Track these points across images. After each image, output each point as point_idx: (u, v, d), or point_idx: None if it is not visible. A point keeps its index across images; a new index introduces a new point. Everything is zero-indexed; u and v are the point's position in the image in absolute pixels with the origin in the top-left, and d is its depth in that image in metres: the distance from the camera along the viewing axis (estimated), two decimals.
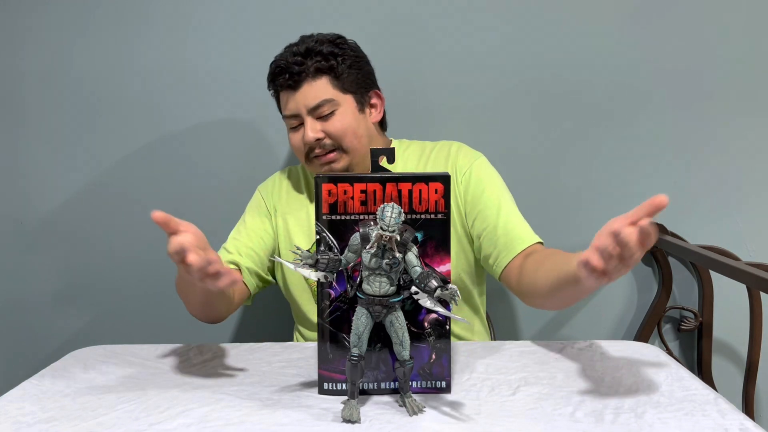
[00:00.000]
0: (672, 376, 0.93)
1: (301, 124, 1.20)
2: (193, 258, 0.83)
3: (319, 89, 1.19)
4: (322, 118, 1.19)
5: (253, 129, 1.56)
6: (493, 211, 1.20)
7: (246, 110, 1.56)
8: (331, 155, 1.20)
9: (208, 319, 1.18)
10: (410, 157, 1.29)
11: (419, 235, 0.83)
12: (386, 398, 0.85)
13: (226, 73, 1.55)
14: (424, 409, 0.81)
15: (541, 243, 1.19)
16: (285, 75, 1.19)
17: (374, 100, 1.27)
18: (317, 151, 1.20)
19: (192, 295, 1.12)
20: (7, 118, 1.57)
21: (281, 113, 1.26)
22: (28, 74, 1.55)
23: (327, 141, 1.19)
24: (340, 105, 1.20)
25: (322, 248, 0.82)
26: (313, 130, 1.18)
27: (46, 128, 1.56)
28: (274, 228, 1.28)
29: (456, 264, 1.22)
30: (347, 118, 1.20)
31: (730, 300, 1.56)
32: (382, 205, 0.78)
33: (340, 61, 1.20)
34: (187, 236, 0.85)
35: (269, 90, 1.26)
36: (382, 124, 1.31)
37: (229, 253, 1.23)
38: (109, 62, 1.54)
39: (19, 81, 1.55)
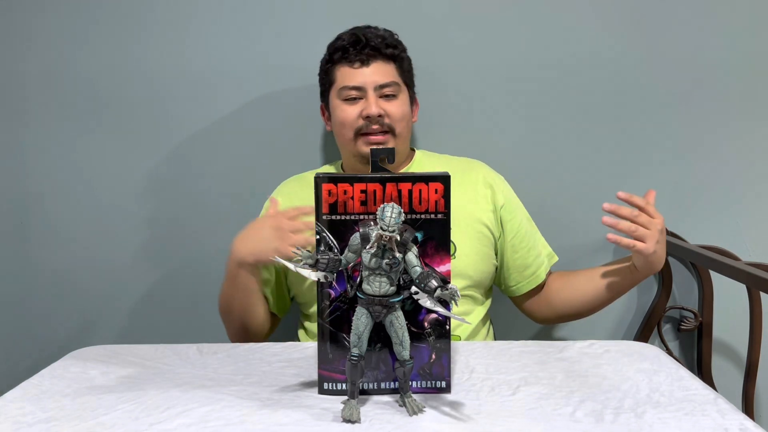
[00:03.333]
0: (672, 376, 0.93)
1: (360, 98, 1.24)
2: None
3: (388, 71, 1.26)
4: (384, 98, 1.25)
5: (256, 131, 1.56)
6: (525, 241, 1.31)
7: (249, 112, 1.55)
8: (382, 137, 1.24)
9: (241, 338, 1.27)
10: (442, 168, 1.32)
11: (419, 235, 0.83)
12: (386, 398, 0.85)
13: (229, 74, 1.54)
14: (424, 409, 0.81)
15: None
16: (361, 47, 1.24)
17: (415, 103, 1.36)
18: (373, 127, 1.24)
19: (232, 309, 1.24)
20: (8, 119, 1.56)
21: (327, 86, 1.29)
22: (28, 75, 1.55)
23: (385, 120, 1.24)
24: (401, 92, 1.27)
25: (322, 248, 0.82)
26: (376, 105, 1.23)
27: (46, 128, 1.56)
28: None
29: (483, 269, 1.27)
30: (405, 106, 1.28)
31: (730, 300, 1.56)
32: (382, 205, 0.78)
33: (405, 56, 1.30)
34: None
35: (325, 61, 1.30)
36: None
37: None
38: (110, 63, 1.54)
39: (20, 81, 1.55)
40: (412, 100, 1.33)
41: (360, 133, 1.24)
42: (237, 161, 1.56)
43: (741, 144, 1.58)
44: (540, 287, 1.34)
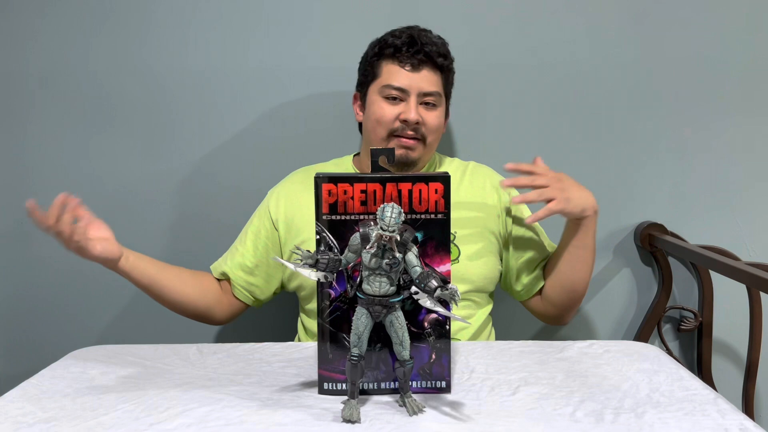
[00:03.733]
0: (672, 376, 0.93)
1: (401, 101, 1.23)
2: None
3: (435, 80, 1.25)
4: (424, 106, 1.24)
5: (256, 131, 1.56)
6: (531, 244, 1.31)
7: (249, 112, 1.55)
8: (413, 142, 1.24)
9: (187, 314, 1.26)
10: (452, 173, 1.33)
11: (419, 235, 0.83)
12: (386, 398, 0.85)
13: (232, 75, 1.54)
14: (424, 409, 0.81)
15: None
16: (416, 50, 1.23)
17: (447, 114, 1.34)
18: (408, 132, 1.23)
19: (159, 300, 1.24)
20: (9, 118, 1.56)
21: (367, 78, 1.27)
22: (29, 74, 1.55)
23: (421, 128, 1.23)
24: (441, 104, 1.27)
25: (322, 248, 0.82)
26: (416, 112, 1.22)
27: (47, 128, 1.56)
28: (278, 230, 1.29)
29: (487, 274, 1.27)
30: (441, 118, 1.28)
31: (730, 300, 1.56)
32: (382, 205, 0.78)
33: (452, 68, 1.29)
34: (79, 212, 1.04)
35: (373, 54, 1.27)
36: None
37: (225, 265, 1.30)
38: (111, 63, 1.54)
39: (21, 81, 1.55)
40: (447, 112, 1.32)
41: (393, 134, 1.24)
42: (238, 161, 1.56)
43: (741, 144, 1.58)
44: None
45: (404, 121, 1.22)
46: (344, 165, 1.36)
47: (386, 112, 1.23)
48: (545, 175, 1.19)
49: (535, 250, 1.31)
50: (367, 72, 1.28)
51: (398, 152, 1.22)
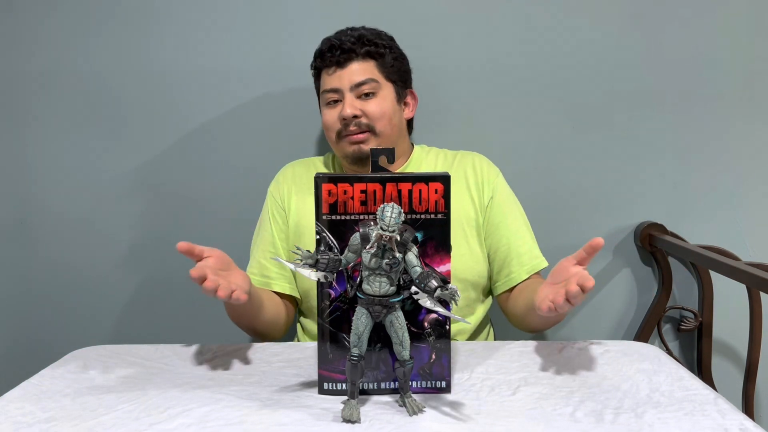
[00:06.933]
0: (672, 376, 0.93)
1: (339, 101, 1.24)
2: (208, 284, 0.89)
3: (365, 69, 1.24)
4: (362, 97, 1.23)
5: (256, 131, 1.56)
6: (506, 239, 1.26)
7: (250, 112, 1.55)
8: (362, 135, 1.23)
9: (263, 338, 1.25)
10: (439, 163, 1.33)
11: (419, 235, 0.83)
12: (386, 398, 0.85)
13: (230, 75, 1.55)
14: (424, 409, 0.81)
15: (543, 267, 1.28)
16: (336, 51, 1.24)
17: (409, 99, 1.33)
18: (351, 128, 1.23)
19: (238, 323, 1.21)
20: (10, 118, 1.57)
21: (318, 92, 1.31)
22: (30, 74, 1.55)
23: (363, 120, 1.23)
24: (382, 89, 1.25)
25: (322, 248, 0.82)
26: (351, 106, 1.22)
27: (47, 128, 1.56)
28: (287, 222, 1.29)
29: (477, 268, 1.26)
30: (386, 103, 1.25)
31: (730, 300, 1.56)
32: (382, 205, 0.78)
33: (388, 51, 1.27)
34: (209, 261, 0.95)
35: (312, 68, 1.30)
36: (409, 126, 1.36)
37: (259, 268, 1.28)
38: (112, 62, 1.54)
39: (22, 80, 1.55)
40: (403, 95, 1.30)
41: (341, 136, 1.24)
42: (238, 161, 1.56)
43: (741, 144, 1.58)
44: (513, 289, 1.27)
45: (343, 119, 1.22)
46: (328, 159, 1.38)
47: (328, 116, 1.26)
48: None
49: (503, 249, 1.26)
50: (316, 87, 1.32)
51: (351, 148, 1.23)
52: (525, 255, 1.25)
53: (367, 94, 1.23)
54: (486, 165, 1.32)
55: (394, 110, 1.26)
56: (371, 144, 1.23)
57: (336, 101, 1.25)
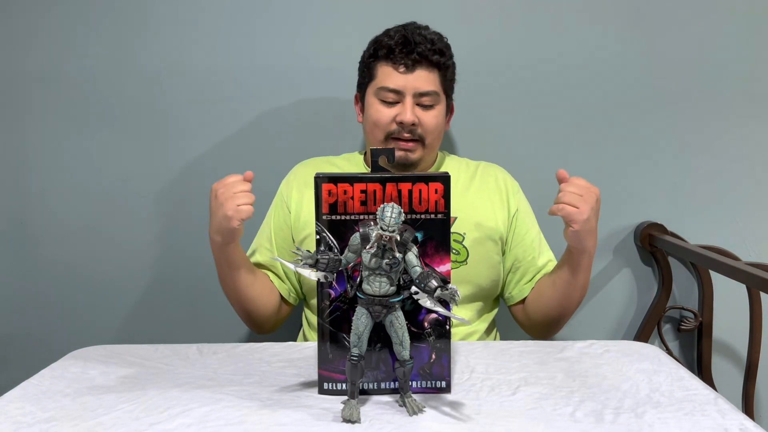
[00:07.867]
0: (672, 376, 0.93)
1: (397, 102, 1.21)
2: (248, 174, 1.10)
3: (430, 80, 1.22)
4: (421, 107, 1.22)
5: (258, 131, 1.56)
6: (531, 251, 1.29)
7: (251, 112, 1.56)
8: (412, 144, 1.22)
9: (250, 319, 1.25)
10: (461, 172, 1.32)
11: (419, 235, 0.83)
12: (386, 398, 0.85)
13: (232, 74, 1.55)
14: (424, 409, 0.81)
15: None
16: (409, 51, 1.20)
17: (451, 110, 1.32)
18: (404, 135, 1.21)
19: (228, 290, 1.22)
20: (10, 118, 1.57)
21: (366, 79, 1.26)
22: (29, 74, 1.55)
23: (417, 129, 1.21)
24: (440, 102, 1.24)
25: (322, 248, 0.82)
26: (413, 114, 1.20)
27: (47, 127, 1.56)
28: (294, 216, 1.29)
29: (492, 276, 1.27)
30: (440, 117, 1.24)
31: (730, 300, 1.56)
32: (382, 205, 0.78)
33: (451, 63, 1.25)
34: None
35: (369, 55, 1.26)
36: None
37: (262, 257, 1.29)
38: (111, 63, 1.54)
39: (21, 80, 1.55)
40: (449, 108, 1.29)
41: (391, 137, 1.22)
42: (238, 161, 1.56)
43: (741, 144, 1.58)
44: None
45: (400, 123, 1.20)
46: (355, 159, 1.36)
47: (382, 115, 1.22)
48: (578, 193, 1.10)
49: (527, 260, 1.29)
50: (365, 73, 1.27)
51: (398, 154, 1.20)
52: (542, 265, 1.29)
53: (425, 105, 1.22)
54: (509, 179, 1.34)
55: (443, 124, 1.26)
56: (418, 154, 1.23)
57: (393, 102, 1.22)
